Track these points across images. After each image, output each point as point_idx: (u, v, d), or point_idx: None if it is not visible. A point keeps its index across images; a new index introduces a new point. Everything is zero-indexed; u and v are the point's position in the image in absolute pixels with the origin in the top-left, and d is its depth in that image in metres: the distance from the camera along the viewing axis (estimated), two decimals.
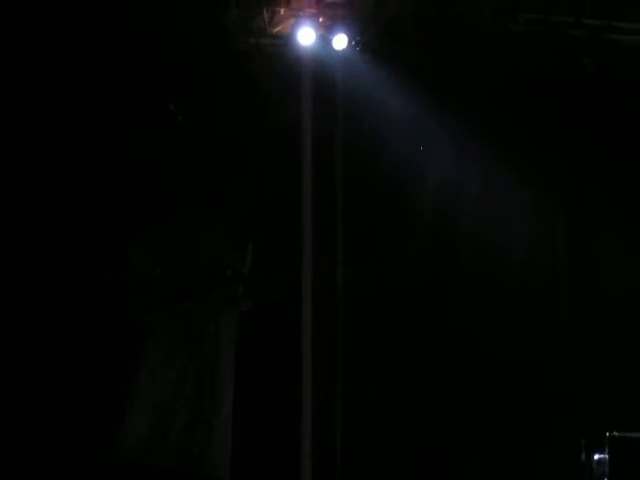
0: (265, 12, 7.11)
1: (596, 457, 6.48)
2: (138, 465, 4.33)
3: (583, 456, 6.55)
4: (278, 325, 5.99)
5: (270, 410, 6.42)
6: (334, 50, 6.96)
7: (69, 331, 6.54)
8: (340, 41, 6.96)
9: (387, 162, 7.09)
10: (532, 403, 7.05)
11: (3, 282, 6.45)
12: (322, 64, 6.92)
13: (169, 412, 4.37)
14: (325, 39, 6.96)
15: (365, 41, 7.07)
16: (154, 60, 6.76)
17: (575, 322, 7.22)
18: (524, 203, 7.29)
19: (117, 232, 5.94)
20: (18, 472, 6.33)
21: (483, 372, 7.03)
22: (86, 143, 6.53)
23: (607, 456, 6.38)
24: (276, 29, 7.18)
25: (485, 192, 7.23)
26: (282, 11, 7.13)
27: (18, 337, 6.48)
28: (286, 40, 7.00)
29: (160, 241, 4.50)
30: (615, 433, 6.38)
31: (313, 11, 6.97)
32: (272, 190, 6.39)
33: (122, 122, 6.53)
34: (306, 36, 6.87)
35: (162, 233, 4.52)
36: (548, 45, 7.13)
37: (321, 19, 7.01)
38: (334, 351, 6.75)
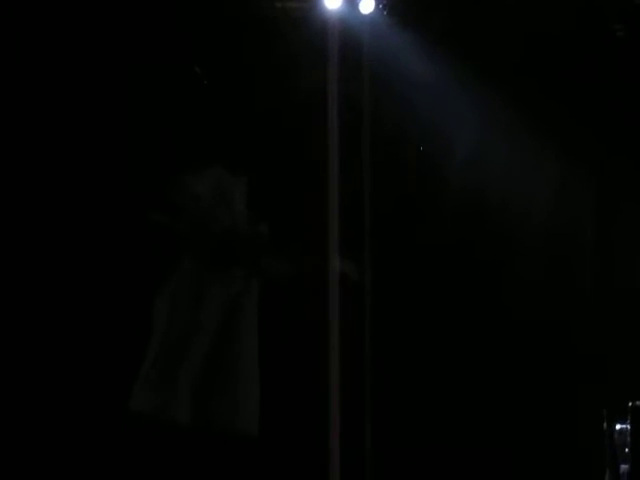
0: None
1: (618, 427, 6.47)
2: (151, 421, 4.32)
3: (605, 426, 6.55)
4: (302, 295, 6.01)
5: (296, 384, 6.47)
6: (361, 14, 6.91)
7: (86, 279, 6.53)
8: (367, 5, 6.90)
9: (413, 126, 7.05)
10: (554, 371, 7.03)
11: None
12: (349, 28, 6.85)
13: (183, 369, 4.34)
14: (352, 3, 6.89)
15: (392, 5, 7.00)
16: (181, 23, 6.74)
17: (601, 291, 7.19)
18: (553, 171, 7.23)
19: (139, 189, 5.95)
20: (27, 428, 6.36)
21: (508, 340, 7.01)
22: (112, 101, 6.55)
23: (629, 426, 6.38)
24: None
25: (513, 159, 7.18)
26: None
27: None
28: (312, 3, 6.93)
29: (181, 199, 4.48)
30: (638, 403, 6.36)
31: None
32: (297, 155, 6.39)
33: (148, 84, 6.54)
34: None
35: (183, 192, 4.49)
36: (577, 10, 7.03)
37: None
38: (362, 322, 6.76)
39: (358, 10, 6.89)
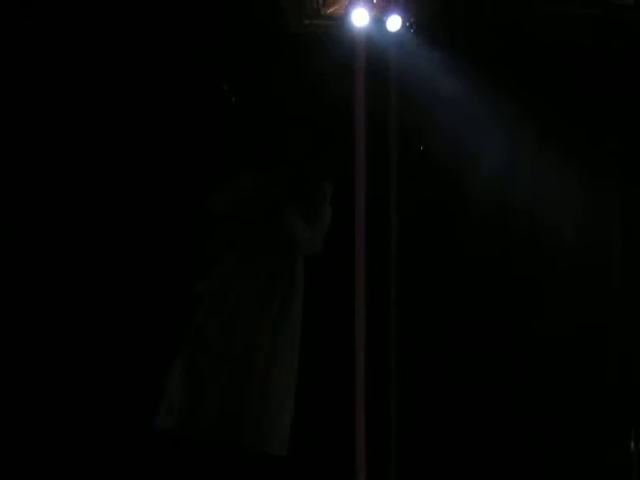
0: None
1: None
2: (178, 438, 4.27)
3: (632, 445, 6.49)
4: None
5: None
6: (388, 31, 6.93)
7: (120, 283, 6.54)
8: (394, 22, 6.92)
9: (440, 144, 7.06)
10: (580, 388, 6.98)
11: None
12: (375, 45, 6.89)
13: (219, 383, 4.28)
14: (379, 20, 6.92)
15: (419, 22, 7.03)
16: (208, 40, 6.79)
17: (628, 307, 7.14)
18: (577, 184, 7.23)
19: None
20: (53, 440, 6.33)
21: (533, 352, 6.97)
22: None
23: None
24: (330, 10, 7.16)
25: (538, 173, 7.19)
26: None
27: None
28: (340, 21, 6.97)
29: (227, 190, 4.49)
30: None
31: None
32: (325, 169, 6.39)
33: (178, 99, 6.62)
34: (360, 17, 6.83)
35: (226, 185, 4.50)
36: (605, 28, 7.04)
37: (375, 0, 6.98)
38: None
39: (385, 28, 6.91)
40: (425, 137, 7.08)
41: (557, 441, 6.91)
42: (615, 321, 7.12)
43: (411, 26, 6.99)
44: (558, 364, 6.97)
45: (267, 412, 4.28)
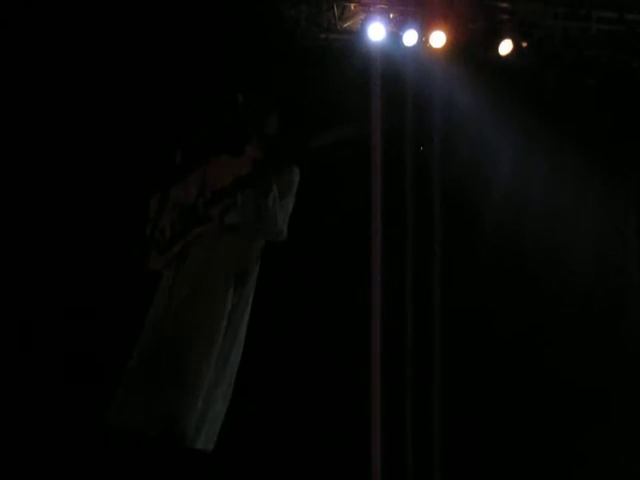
0: (335, 7, 7.14)
1: None
2: (123, 431, 4.20)
3: None
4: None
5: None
6: (404, 46, 6.95)
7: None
8: (410, 37, 6.94)
9: (456, 158, 7.06)
10: (598, 406, 6.94)
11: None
12: (391, 60, 6.91)
13: (160, 380, 4.22)
14: (395, 35, 6.95)
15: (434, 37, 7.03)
16: (224, 55, 6.81)
17: None
18: (594, 199, 7.22)
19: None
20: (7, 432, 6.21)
21: (550, 373, 6.94)
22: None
23: None
24: (346, 24, 7.20)
25: (554, 187, 7.18)
26: (352, 6, 7.15)
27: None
28: (356, 36, 7.01)
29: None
30: None
31: (383, 7, 6.97)
32: (340, 182, 6.42)
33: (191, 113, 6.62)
34: (376, 32, 6.87)
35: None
36: (622, 44, 7.05)
37: (391, 15, 7.00)
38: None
39: (401, 42, 6.93)
40: (441, 150, 7.07)
41: (585, 456, 6.83)
42: (633, 328, 7.10)
43: (427, 41, 7.00)
44: (582, 375, 6.92)
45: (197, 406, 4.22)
